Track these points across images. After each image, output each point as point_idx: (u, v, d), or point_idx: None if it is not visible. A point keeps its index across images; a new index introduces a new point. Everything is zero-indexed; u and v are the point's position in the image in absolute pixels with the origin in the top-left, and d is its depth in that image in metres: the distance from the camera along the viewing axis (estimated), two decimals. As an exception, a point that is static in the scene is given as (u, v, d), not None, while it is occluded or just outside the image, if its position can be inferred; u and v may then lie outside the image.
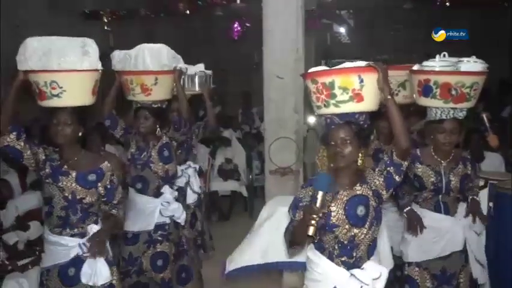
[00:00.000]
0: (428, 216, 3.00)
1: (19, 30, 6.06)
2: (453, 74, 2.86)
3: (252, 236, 3.67)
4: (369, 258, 2.27)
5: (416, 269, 3.00)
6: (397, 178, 2.23)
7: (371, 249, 2.28)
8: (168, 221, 3.59)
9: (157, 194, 3.55)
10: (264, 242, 3.46)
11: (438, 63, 2.92)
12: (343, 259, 2.23)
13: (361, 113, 2.22)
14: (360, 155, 2.21)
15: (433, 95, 2.87)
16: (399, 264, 3.24)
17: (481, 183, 3.50)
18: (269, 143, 4.64)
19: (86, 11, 8.15)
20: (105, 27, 8.36)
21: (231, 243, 4.58)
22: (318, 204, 2.10)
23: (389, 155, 2.24)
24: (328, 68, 2.25)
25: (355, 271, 2.22)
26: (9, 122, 2.56)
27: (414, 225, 2.99)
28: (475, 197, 3.09)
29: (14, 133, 2.56)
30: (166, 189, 3.58)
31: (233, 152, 7.08)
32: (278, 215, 3.62)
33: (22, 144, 2.57)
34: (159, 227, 3.55)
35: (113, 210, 2.72)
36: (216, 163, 6.80)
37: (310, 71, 2.28)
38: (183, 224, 3.75)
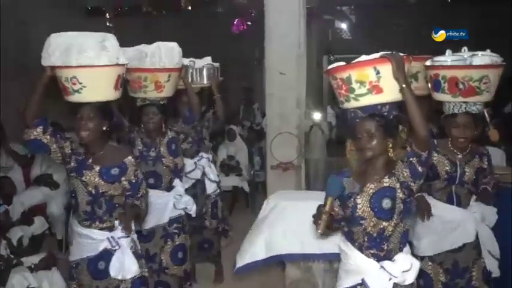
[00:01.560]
0: (440, 207, 3.01)
1: (22, 27, 6.10)
2: (460, 68, 2.86)
3: (255, 230, 3.70)
4: (401, 250, 2.27)
5: (430, 263, 3.02)
6: (419, 169, 2.20)
7: (403, 241, 2.28)
8: (182, 213, 3.64)
9: (169, 188, 3.60)
10: (267, 236, 3.50)
11: (450, 57, 2.92)
12: (372, 251, 2.24)
13: (383, 104, 2.21)
14: (389, 145, 2.22)
15: (442, 90, 2.89)
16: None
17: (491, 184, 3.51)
18: (271, 138, 4.67)
19: (88, 7, 8.16)
20: (108, 24, 8.37)
21: (233, 238, 4.64)
22: (326, 208, 2.16)
23: (410, 146, 2.23)
24: (344, 64, 2.26)
25: (385, 263, 2.22)
26: (35, 116, 2.59)
27: (423, 211, 2.98)
28: (486, 187, 3.08)
29: (41, 127, 2.60)
30: (177, 182, 3.63)
31: (235, 147, 7.11)
32: (279, 209, 3.65)
33: (48, 137, 2.61)
34: (173, 220, 3.59)
35: (136, 202, 2.75)
36: (218, 158, 6.83)
37: (329, 67, 2.31)
38: (194, 215, 3.79)
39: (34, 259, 3.73)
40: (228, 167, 6.78)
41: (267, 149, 4.76)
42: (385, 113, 2.22)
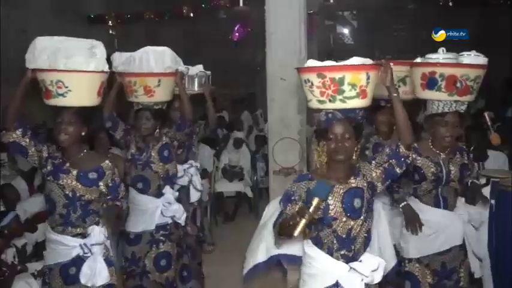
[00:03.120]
0: (428, 211, 3.00)
1: (23, 36, 6.14)
2: (459, 66, 2.87)
3: (257, 236, 3.71)
4: (365, 250, 2.31)
5: (417, 265, 3.01)
6: (398, 170, 2.29)
7: (367, 241, 2.32)
8: (169, 221, 3.63)
9: (159, 194, 3.59)
10: (268, 240, 3.51)
11: (441, 55, 2.92)
12: (342, 252, 2.26)
13: (360, 109, 2.26)
14: (356, 149, 2.27)
15: (438, 88, 2.87)
16: (399, 259, 3.23)
17: (483, 181, 3.52)
18: (273, 143, 4.68)
19: (90, 15, 8.21)
20: (110, 31, 8.42)
21: (236, 244, 4.63)
22: (311, 210, 2.09)
23: (392, 148, 2.28)
24: (336, 63, 2.24)
25: (354, 264, 2.25)
26: (15, 118, 2.62)
27: (413, 223, 2.98)
28: (474, 180, 3.08)
29: (20, 130, 2.62)
30: (167, 189, 3.62)
31: (238, 154, 7.12)
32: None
33: (27, 140, 2.64)
34: (160, 227, 3.59)
35: (117, 202, 2.78)
36: (220, 164, 6.85)
37: (316, 64, 2.28)
38: (183, 224, 3.78)
39: (37, 265, 3.73)
40: (230, 173, 6.80)
41: (269, 154, 4.77)
42: (359, 117, 2.27)
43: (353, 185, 2.28)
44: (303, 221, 2.08)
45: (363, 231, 2.28)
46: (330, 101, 2.22)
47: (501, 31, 8.88)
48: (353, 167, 2.32)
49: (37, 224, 4.74)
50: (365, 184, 2.29)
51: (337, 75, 2.17)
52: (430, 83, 2.91)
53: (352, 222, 2.25)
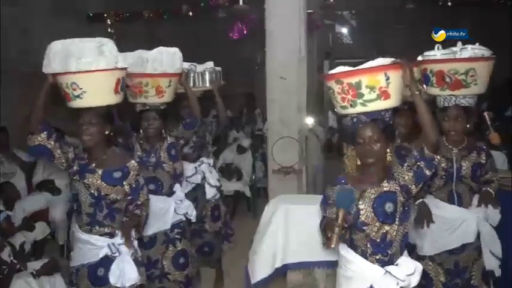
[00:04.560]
0: (442, 207, 3.02)
1: (23, 35, 6.13)
2: (445, 61, 2.89)
3: (259, 239, 3.72)
4: (401, 254, 2.28)
5: (430, 263, 3.02)
6: (427, 172, 2.24)
7: (403, 245, 2.29)
8: (183, 218, 3.63)
9: (170, 193, 3.59)
10: (275, 245, 3.55)
11: (439, 51, 2.95)
12: (377, 257, 2.23)
13: (386, 110, 2.24)
14: (388, 151, 2.24)
15: (431, 84, 2.92)
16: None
17: (494, 184, 3.51)
18: (272, 142, 4.68)
19: (89, 13, 8.19)
20: (109, 30, 8.40)
21: (236, 243, 4.63)
22: (339, 221, 2.07)
23: (419, 150, 2.25)
24: (353, 68, 2.24)
25: (390, 268, 2.22)
26: (39, 122, 2.61)
27: (423, 218, 2.99)
28: (488, 189, 3.08)
29: (45, 132, 2.62)
30: (177, 187, 3.62)
31: (235, 152, 7.12)
32: (281, 215, 3.67)
33: (52, 143, 2.63)
34: (175, 225, 3.58)
35: (137, 210, 2.75)
36: (218, 163, 6.84)
37: (333, 72, 2.28)
38: (194, 220, 3.78)
39: (36, 265, 3.73)
40: (228, 172, 6.80)
41: (268, 153, 4.77)
42: (387, 119, 2.25)
43: (385, 188, 2.24)
44: (335, 236, 2.06)
45: (399, 235, 2.24)
46: (351, 106, 2.22)
47: (501, 31, 8.88)
48: (387, 170, 2.28)
49: (35, 222, 4.74)
50: (398, 188, 2.24)
51: (353, 79, 2.17)
52: (425, 79, 2.96)
53: (387, 227, 2.21)
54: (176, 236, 3.58)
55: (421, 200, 3.03)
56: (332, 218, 2.16)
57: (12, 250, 3.95)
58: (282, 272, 3.69)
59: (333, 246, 2.07)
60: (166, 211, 3.54)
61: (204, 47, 9.43)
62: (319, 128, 7.05)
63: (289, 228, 3.62)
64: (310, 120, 5.79)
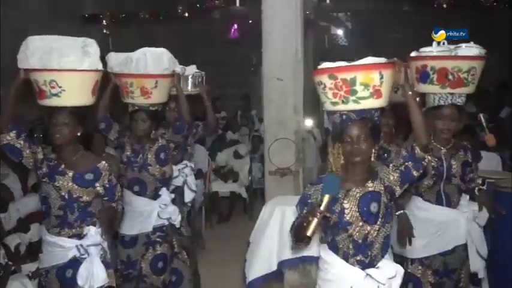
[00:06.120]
0: (431, 210, 2.98)
1: (18, 35, 6.09)
2: (450, 58, 2.85)
3: (258, 239, 3.72)
4: (383, 257, 2.24)
5: (419, 267, 2.98)
6: (414, 173, 2.21)
7: (385, 247, 2.25)
8: (166, 222, 3.59)
9: (155, 196, 3.55)
10: (272, 247, 3.55)
11: (435, 48, 2.91)
12: (358, 258, 2.20)
13: (376, 109, 2.21)
14: (373, 151, 2.21)
15: (430, 81, 2.86)
16: (400, 262, 3.22)
17: (479, 181, 3.51)
18: (269, 144, 4.68)
19: (85, 14, 8.18)
20: (104, 31, 8.39)
21: (231, 245, 4.63)
22: (322, 207, 2.03)
23: (408, 150, 2.22)
24: (348, 64, 2.19)
25: (371, 271, 2.18)
26: (9, 120, 2.58)
27: (404, 236, 2.90)
28: (481, 187, 3.05)
29: (14, 131, 2.59)
30: (163, 191, 3.58)
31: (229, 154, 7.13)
32: (278, 215, 3.66)
33: (22, 142, 2.60)
34: (157, 229, 3.55)
35: (113, 204, 2.76)
36: (214, 165, 6.84)
37: (328, 66, 2.22)
38: (178, 226, 3.75)
39: (32, 266, 3.70)
40: (224, 173, 6.79)
41: (265, 155, 4.77)
42: (376, 118, 2.22)
43: (370, 188, 2.21)
44: (315, 220, 2.01)
45: (380, 236, 2.21)
46: (343, 102, 2.16)
47: (495, 34, 8.92)
48: (371, 169, 2.25)
49: (30, 224, 4.71)
50: (382, 188, 2.22)
51: (348, 75, 2.12)
52: (423, 76, 2.90)
53: (368, 227, 2.18)
54: (157, 239, 3.54)
55: (401, 212, 2.92)
56: (314, 206, 2.11)
57: (6, 252, 3.93)
58: (279, 274, 3.69)
59: (308, 234, 2.01)
60: (150, 214, 3.51)
61: (200, 48, 9.44)
62: (316, 129, 7.06)
63: (286, 229, 3.62)
64: (307, 122, 5.79)
